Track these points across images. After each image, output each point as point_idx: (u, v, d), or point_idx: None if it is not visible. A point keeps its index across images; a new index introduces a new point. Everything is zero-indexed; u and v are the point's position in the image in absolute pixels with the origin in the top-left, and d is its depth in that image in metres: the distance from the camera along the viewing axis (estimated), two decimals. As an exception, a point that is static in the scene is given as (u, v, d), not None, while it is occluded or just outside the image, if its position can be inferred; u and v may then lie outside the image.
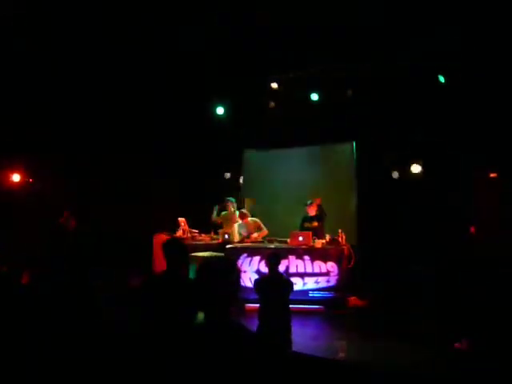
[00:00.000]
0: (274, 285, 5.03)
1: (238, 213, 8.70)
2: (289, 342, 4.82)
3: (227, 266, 2.05)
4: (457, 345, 5.27)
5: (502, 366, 4.26)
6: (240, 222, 8.57)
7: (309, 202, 8.26)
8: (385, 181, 8.65)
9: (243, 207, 9.30)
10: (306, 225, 8.22)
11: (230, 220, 8.75)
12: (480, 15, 6.82)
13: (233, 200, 8.91)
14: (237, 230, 8.57)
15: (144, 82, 8.85)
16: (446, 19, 7.07)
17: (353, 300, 7.72)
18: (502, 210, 7.51)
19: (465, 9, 6.80)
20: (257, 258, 7.63)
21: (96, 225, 8.94)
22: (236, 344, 1.91)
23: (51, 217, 7.87)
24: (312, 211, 8.25)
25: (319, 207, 8.31)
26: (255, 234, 8.39)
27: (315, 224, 8.15)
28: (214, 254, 7.51)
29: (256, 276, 7.19)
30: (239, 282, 2.15)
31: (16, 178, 9.54)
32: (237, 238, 8.44)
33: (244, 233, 8.46)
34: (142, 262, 8.27)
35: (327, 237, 7.94)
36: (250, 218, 8.50)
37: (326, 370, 2.49)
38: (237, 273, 2.08)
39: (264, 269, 7.34)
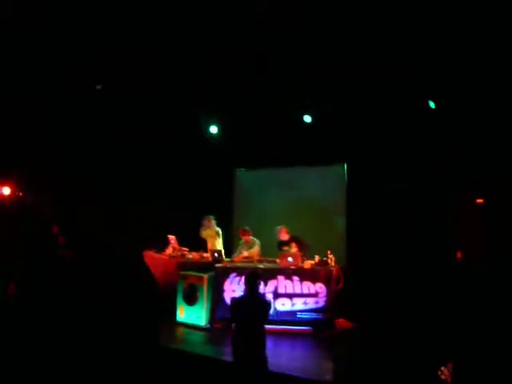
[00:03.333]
0: (249, 306, 4.97)
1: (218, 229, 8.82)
2: (262, 365, 4.73)
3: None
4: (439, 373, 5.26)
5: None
6: (242, 239, 8.61)
7: (278, 228, 8.28)
8: (375, 203, 8.74)
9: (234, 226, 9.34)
10: (285, 248, 8.21)
11: (213, 237, 8.78)
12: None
13: (212, 217, 8.88)
14: (239, 248, 8.65)
15: (135, 99, 8.89)
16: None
17: (341, 322, 7.73)
18: (489, 236, 7.60)
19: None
20: (246, 278, 7.61)
21: (84, 240, 8.88)
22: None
23: (40, 230, 7.80)
24: (284, 236, 8.27)
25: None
26: (245, 253, 8.42)
27: (294, 247, 8.15)
28: None
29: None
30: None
31: (6, 191, 9.48)
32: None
33: (243, 251, 8.48)
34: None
35: (316, 258, 7.98)
36: (250, 237, 8.52)
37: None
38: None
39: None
